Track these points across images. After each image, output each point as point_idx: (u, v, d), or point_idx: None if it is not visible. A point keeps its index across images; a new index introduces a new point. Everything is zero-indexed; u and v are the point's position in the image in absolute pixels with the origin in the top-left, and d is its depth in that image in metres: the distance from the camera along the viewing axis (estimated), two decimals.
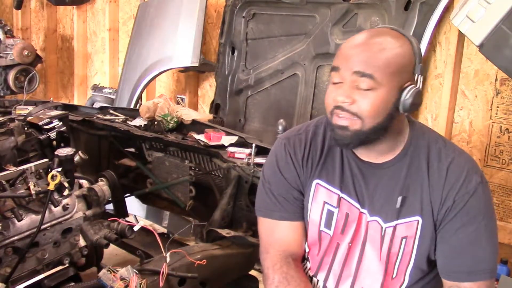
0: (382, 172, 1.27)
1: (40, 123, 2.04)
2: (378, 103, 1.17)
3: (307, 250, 1.39)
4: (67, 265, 1.73)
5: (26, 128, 1.98)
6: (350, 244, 1.31)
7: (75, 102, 4.85)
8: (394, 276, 1.28)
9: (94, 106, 3.62)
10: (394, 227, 1.26)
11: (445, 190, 1.22)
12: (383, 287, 1.29)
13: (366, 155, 1.29)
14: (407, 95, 1.19)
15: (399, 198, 1.25)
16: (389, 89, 1.18)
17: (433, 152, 1.26)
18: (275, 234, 1.37)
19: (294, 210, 1.36)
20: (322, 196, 1.33)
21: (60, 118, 2.12)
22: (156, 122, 2.53)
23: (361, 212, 1.30)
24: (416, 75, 1.21)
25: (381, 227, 1.27)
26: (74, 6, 4.72)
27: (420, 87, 1.22)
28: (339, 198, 1.31)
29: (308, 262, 1.40)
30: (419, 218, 1.24)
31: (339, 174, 1.31)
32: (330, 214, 1.32)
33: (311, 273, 1.38)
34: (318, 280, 1.36)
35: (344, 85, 1.18)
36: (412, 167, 1.26)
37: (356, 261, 1.31)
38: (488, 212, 1.24)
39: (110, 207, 2.14)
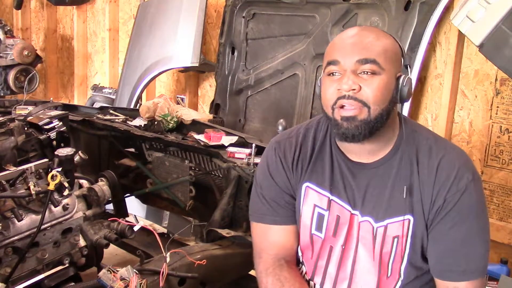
0: (372, 172, 1.27)
1: (40, 123, 2.04)
2: (382, 87, 1.18)
3: (300, 254, 1.39)
4: (67, 265, 1.73)
5: (26, 128, 1.99)
6: (343, 247, 1.30)
7: (75, 102, 4.85)
8: (389, 275, 1.27)
9: (94, 106, 3.63)
10: (385, 226, 1.25)
11: (435, 189, 1.21)
12: (379, 287, 1.28)
13: (356, 155, 1.29)
14: (404, 83, 1.21)
15: (403, 190, 1.23)
16: (390, 75, 1.20)
17: (423, 149, 1.25)
18: (268, 238, 1.37)
19: (286, 214, 1.36)
20: (312, 199, 1.33)
21: (60, 118, 2.12)
22: (156, 122, 2.53)
23: (352, 214, 1.29)
24: (405, 65, 1.25)
25: (373, 227, 1.27)
26: (74, 6, 4.72)
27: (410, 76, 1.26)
28: (329, 201, 1.30)
29: (303, 266, 1.39)
30: (410, 216, 1.23)
31: (329, 177, 1.31)
32: (320, 217, 1.32)
33: (307, 277, 1.38)
34: (315, 284, 1.36)
35: (347, 75, 1.18)
36: (402, 165, 1.25)
37: (351, 263, 1.30)
38: (480, 209, 1.22)
39: (110, 207, 2.14)
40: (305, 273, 1.38)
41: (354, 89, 1.17)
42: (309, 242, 1.35)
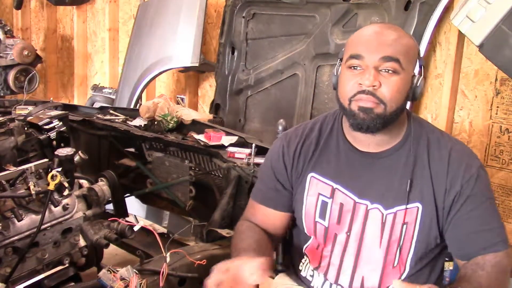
0: (382, 161, 1.31)
1: (40, 123, 2.04)
2: (400, 87, 1.22)
3: (306, 244, 1.42)
4: (67, 265, 1.73)
5: (26, 128, 1.98)
6: (348, 234, 1.33)
7: (75, 102, 4.85)
8: (395, 265, 1.30)
9: (94, 106, 3.62)
10: (395, 213, 1.28)
11: (449, 178, 1.26)
12: (383, 276, 1.31)
13: (365, 146, 1.32)
14: (418, 83, 1.26)
15: (408, 183, 1.27)
16: (408, 74, 1.24)
17: (432, 140, 1.31)
18: (254, 213, 1.47)
19: (273, 198, 1.43)
20: (316, 188, 1.36)
21: (60, 118, 2.12)
22: (156, 122, 2.53)
23: (356, 202, 1.32)
24: (419, 65, 1.28)
25: (382, 214, 1.29)
26: (74, 6, 4.72)
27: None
28: (333, 189, 1.34)
29: (307, 257, 1.42)
30: (419, 204, 1.28)
31: (334, 167, 1.34)
32: (324, 204, 1.35)
33: (312, 267, 1.41)
34: (318, 274, 1.39)
35: (369, 70, 1.21)
36: (411, 155, 1.29)
37: (355, 251, 1.33)
38: (490, 191, 1.31)
39: (110, 207, 2.14)
40: (310, 264, 1.41)
41: (374, 86, 1.20)
42: (312, 230, 1.37)
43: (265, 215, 1.44)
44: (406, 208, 1.28)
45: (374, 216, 1.30)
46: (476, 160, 1.29)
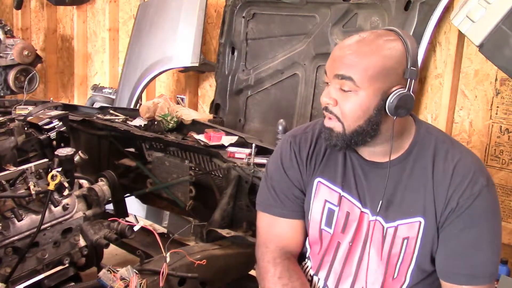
0: (385, 172, 1.26)
1: (40, 123, 2.04)
2: (357, 105, 1.18)
3: (308, 249, 1.39)
4: (67, 265, 1.73)
5: (26, 128, 1.98)
6: (351, 244, 1.31)
7: (75, 102, 4.85)
8: (395, 276, 1.27)
9: (94, 106, 3.63)
10: (396, 227, 1.25)
11: (449, 191, 1.20)
12: (383, 287, 1.28)
13: (370, 154, 1.29)
14: (391, 99, 1.18)
15: (384, 199, 1.24)
16: (370, 92, 1.17)
17: (440, 152, 1.24)
18: (274, 230, 1.38)
19: (294, 208, 1.37)
20: (323, 194, 1.33)
21: (60, 118, 2.12)
22: (156, 122, 2.53)
23: (362, 211, 1.29)
24: (408, 78, 1.18)
25: (383, 227, 1.26)
26: (74, 6, 4.73)
27: (410, 91, 1.19)
28: (340, 197, 1.31)
29: (309, 260, 1.40)
30: (421, 219, 1.23)
31: (341, 173, 1.31)
32: (330, 212, 1.32)
33: (312, 272, 1.38)
34: (319, 279, 1.37)
35: (330, 87, 1.22)
36: (416, 166, 1.25)
37: (356, 261, 1.30)
38: (492, 215, 1.21)
39: (110, 207, 2.14)
40: (310, 268, 1.39)
41: (329, 103, 1.21)
42: (318, 237, 1.35)
43: (287, 231, 1.37)
44: (409, 222, 1.24)
45: (375, 228, 1.27)
46: (483, 178, 1.20)
